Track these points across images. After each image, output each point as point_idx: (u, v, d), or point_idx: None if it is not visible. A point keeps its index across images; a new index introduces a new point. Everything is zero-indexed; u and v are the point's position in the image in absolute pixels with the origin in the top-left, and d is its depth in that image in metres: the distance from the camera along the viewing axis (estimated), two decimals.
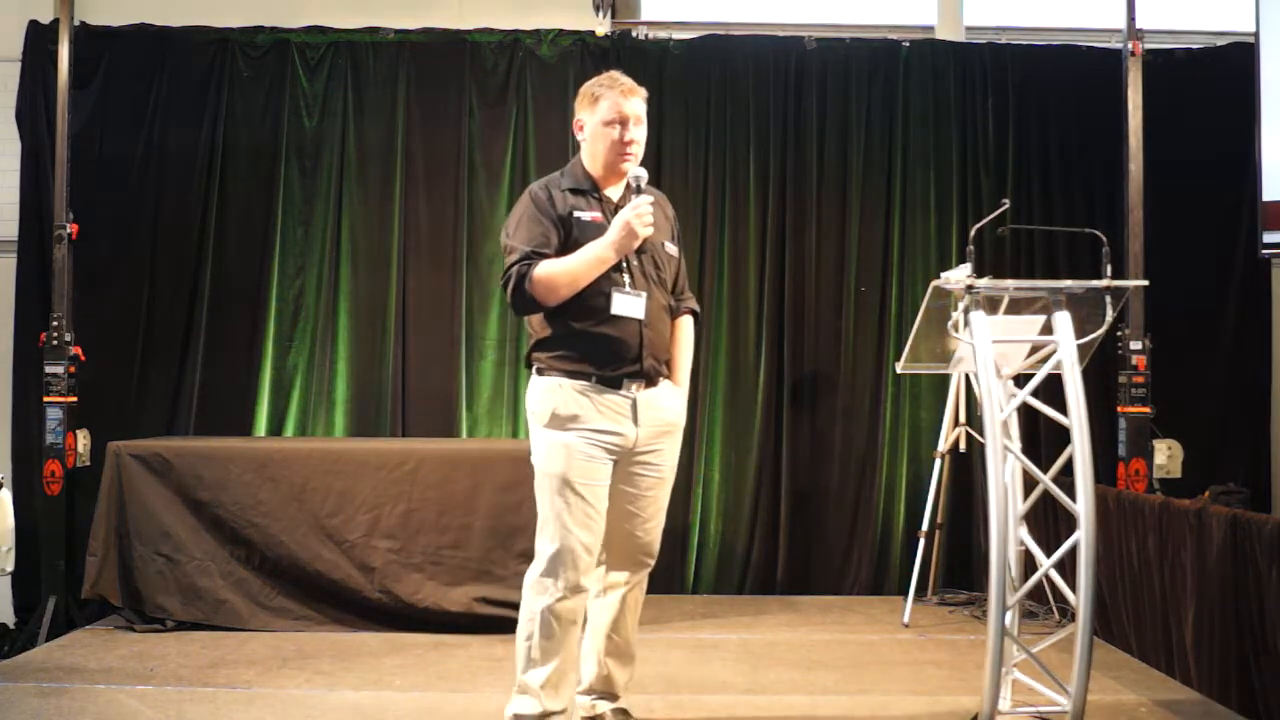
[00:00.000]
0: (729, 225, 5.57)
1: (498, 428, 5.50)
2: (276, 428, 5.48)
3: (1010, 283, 3.27)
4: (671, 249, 3.21)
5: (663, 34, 5.70)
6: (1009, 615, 3.12)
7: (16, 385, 5.43)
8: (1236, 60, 5.42)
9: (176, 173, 5.50)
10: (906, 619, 4.77)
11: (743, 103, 5.60)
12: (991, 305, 3.24)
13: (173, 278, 5.48)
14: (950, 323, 3.29)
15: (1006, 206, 3.57)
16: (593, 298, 3.01)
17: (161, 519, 4.54)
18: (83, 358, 4.91)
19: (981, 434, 3.29)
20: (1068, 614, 4.19)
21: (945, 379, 5.05)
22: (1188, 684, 3.81)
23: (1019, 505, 3.21)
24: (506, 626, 4.31)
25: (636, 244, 3.01)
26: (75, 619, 4.72)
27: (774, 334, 5.53)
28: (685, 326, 3.26)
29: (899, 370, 3.63)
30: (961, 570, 5.40)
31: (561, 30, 5.58)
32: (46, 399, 4.85)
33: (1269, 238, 5.15)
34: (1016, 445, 3.22)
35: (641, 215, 2.98)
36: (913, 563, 4.92)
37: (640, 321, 3.04)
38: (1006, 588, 3.05)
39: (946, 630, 4.71)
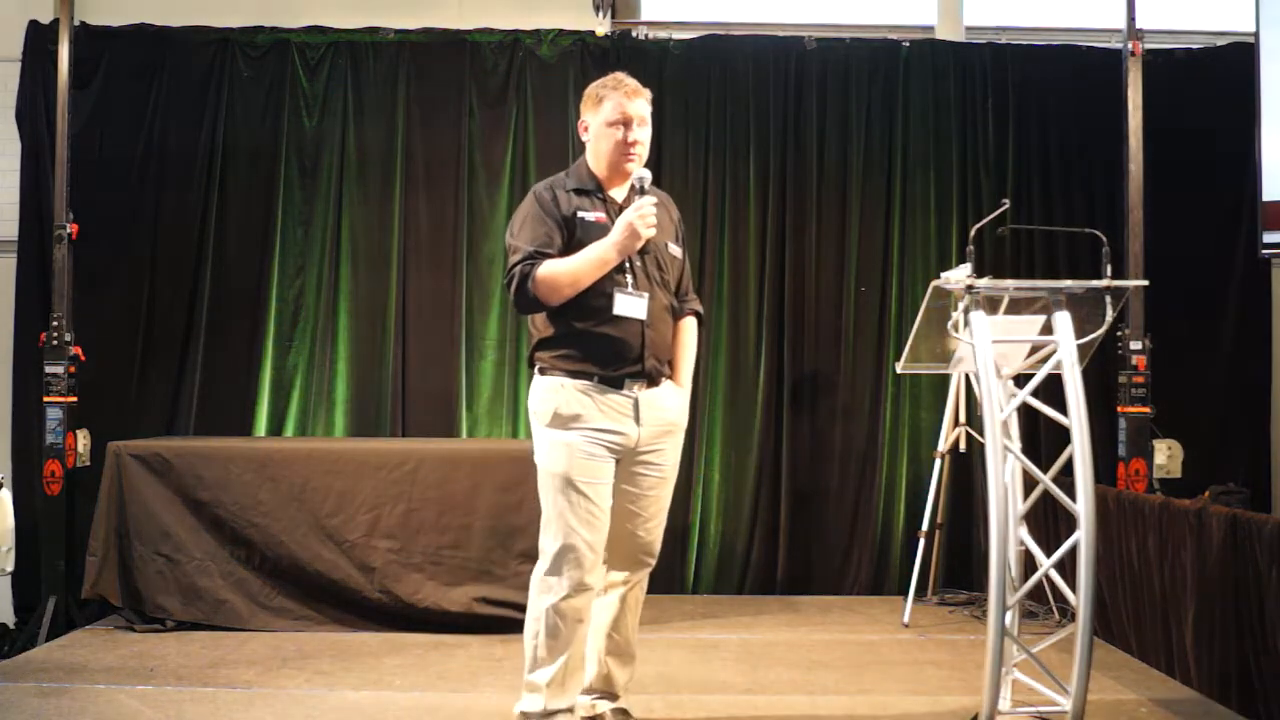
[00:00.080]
0: (729, 225, 5.57)
1: (498, 428, 5.50)
2: (276, 428, 5.48)
3: (1010, 283, 3.27)
4: (675, 250, 3.22)
5: (663, 34, 5.70)
6: (1009, 615, 3.12)
7: (16, 385, 5.43)
8: (1236, 60, 5.42)
9: (176, 173, 5.50)
10: (906, 619, 4.78)
11: (743, 103, 5.60)
12: (991, 305, 3.25)
13: (173, 278, 5.48)
14: (950, 323, 3.29)
15: (1006, 206, 3.57)
16: (595, 298, 3.01)
17: (161, 519, 4.54)
18: (83, 358, 4.91)
19: (981, 434, 3.29)
20: (1068, 614, 4.18)
21: (945, 379, 5.05)
22: (1187, 684, 3.81)
23: (1019, 505, 3.21)
24: (506, 626, 4.35)
25: (639, 245, 3.02)
26: (75, 619, 4.72)
27: (774, 334, 5.53)
28: (688, 328, 3.26)
29: (899, 370, 3.63)
30: (961, 570, 5.40)
31: (561, 30, 5.58)
32: (46, 399, 4.84)
33: (1269, 238, 5.15)
34: (1016, 445, 3.22)
35: (644, 216, 2.98)
36: (913, 563, 4.92)
37: (642, 322, 3.05)
38: (1006, 588, 3.05)
39: (946, 630, 4.71)
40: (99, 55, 5.46)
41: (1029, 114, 5.62)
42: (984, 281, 3.18)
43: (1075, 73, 5.62)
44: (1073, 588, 3.02)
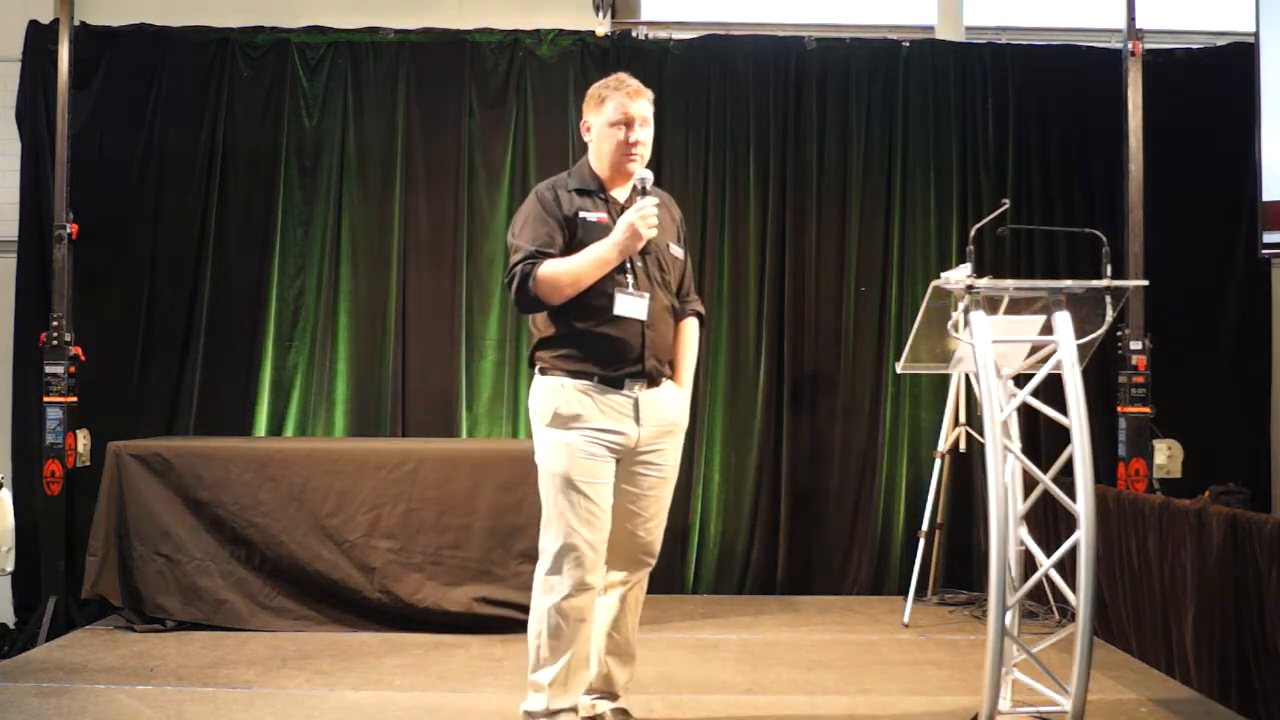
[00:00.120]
0: (729, 225, 5.57)
1: (498, 428, 5.50)
2: (276, 428, 5.48)
3: (1010, 283, 3.27)
4: (677, 251, 3.22)
5: (663, 34, 5.70)
6: (1009, 615, 3.12)
7: (16, 385, 5.43)
8: (1236, 60, 5.42)
9: (176, 173, 5.50)
10: (906, 619, 4.78)
11: (743, 103, 5.60)
12: (991, 305, 3.25)
13: (173, 278, 5.48)
14: (950, 323, 3.29)
15: (1006, 206, 3.57)
16: (596, 298, 3.02)
17: (161, 519, 4.54)
18: (83, 358, 4.91)
19: (981, 434, 3.29)
20: (1068, 614, 4.19)
21: (945, 379, 5.05)
22: (1187, 684, 3.82)
23: (1019, 505, 3.21)
24: (506, 626, 4.36)
25: (640, 245, 3.02)
26: (75, 619, 4.72)
27: (774, 334, 5.53)
28: (690, 328, 3.26)
29: (899, 370, 3.63)
30: (961, 570, 5.40)
31: (561, 30, 5.58)
32: (46, 399, 4.84)
33: (1269, 238, 5.15)
34: (1016, 445, 3.22)
35: (645, 217, 2.99)
36: (913, 563, 4.92)
37: (643, 322, 3.05)
38: (1006, 588, 3.05)
39: (946, 630, 4.71)
40: (99, 55, 5.47)
41: (1029, 114, 5.62)
42: (984, 281, 3.18)
43: (1075, 73, 5.62)
44: (1073, 588, 3.02)
